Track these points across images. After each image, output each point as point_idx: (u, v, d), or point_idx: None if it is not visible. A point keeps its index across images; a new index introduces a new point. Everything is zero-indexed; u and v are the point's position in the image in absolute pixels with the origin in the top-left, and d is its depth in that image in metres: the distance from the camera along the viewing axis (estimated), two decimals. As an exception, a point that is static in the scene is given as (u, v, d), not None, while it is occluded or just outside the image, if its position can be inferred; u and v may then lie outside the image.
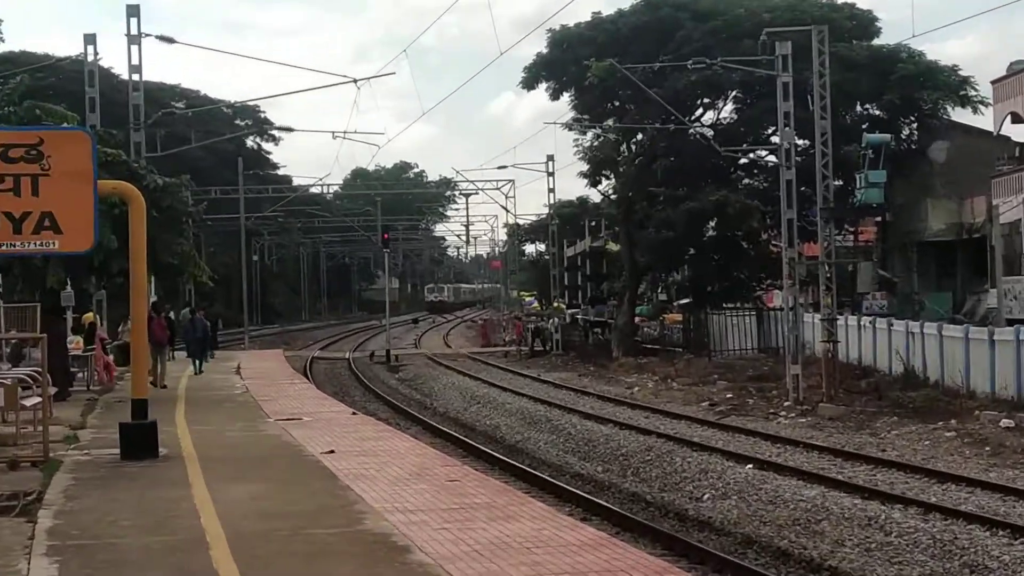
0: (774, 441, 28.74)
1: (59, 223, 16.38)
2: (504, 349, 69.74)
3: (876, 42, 58.69)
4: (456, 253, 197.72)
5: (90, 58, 40.17)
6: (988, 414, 30.30)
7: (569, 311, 76.56)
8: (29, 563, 11.52)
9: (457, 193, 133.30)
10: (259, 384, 35.30)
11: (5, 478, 16.92)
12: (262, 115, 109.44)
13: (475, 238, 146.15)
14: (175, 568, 11.16)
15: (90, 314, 37.12)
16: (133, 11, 39.95)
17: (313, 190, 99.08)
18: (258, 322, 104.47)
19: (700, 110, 60.12)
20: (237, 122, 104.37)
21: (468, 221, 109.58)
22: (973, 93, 56.72)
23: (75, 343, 34.88)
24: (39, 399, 20.37)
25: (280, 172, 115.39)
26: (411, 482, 16.10)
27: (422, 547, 11.80)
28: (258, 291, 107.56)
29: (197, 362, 40.35)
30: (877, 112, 58.19)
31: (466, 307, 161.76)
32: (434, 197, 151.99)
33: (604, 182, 64.72)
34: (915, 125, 58.47)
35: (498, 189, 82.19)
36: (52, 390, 24.21)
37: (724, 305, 58.94)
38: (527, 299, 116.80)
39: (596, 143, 62.33)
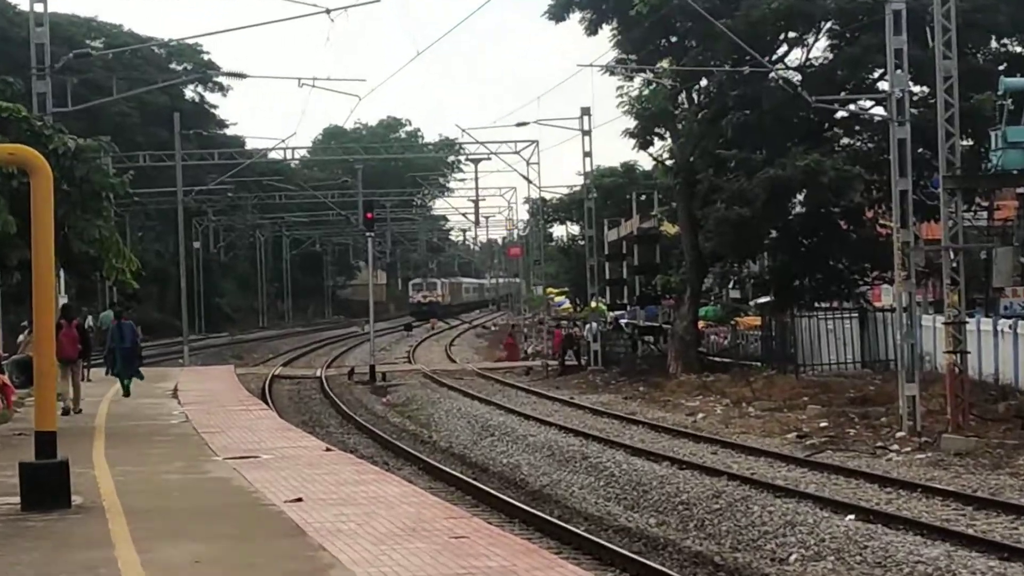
0: (883, 484, 28.58)
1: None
2: (526, 364, 69.76)
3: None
4: (462, 238, 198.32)
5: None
6: None
7: (611, 314, 76.59)
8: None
9: (463, 159, 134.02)
10: (203, 411, 35.30)
11: None
12: (205, 57, 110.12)
13: (487, 218, 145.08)
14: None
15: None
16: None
17: (273, 155, 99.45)
18: (202, 330, 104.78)
19: (783, 48, 59.88)
20: (173, 66, 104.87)
21: (478, 196, 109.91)
22: None
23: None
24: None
25: (230, 132, 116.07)
26: (404, 539, 16.06)
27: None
28: (201, 289, 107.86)
29: (125, 381, 40.58)
30: (1019, 49, 57.92)
31: (471, 309, 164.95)
32: (433, 164, 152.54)
33: (657, 143, 64.66)
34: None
35: (517, 153, 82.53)
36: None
37: (816, 305, 58.87)
38: (557, 299, 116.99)
39: (647, 92, 62.19)
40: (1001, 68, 55.58)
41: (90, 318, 49.20)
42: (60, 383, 29.04)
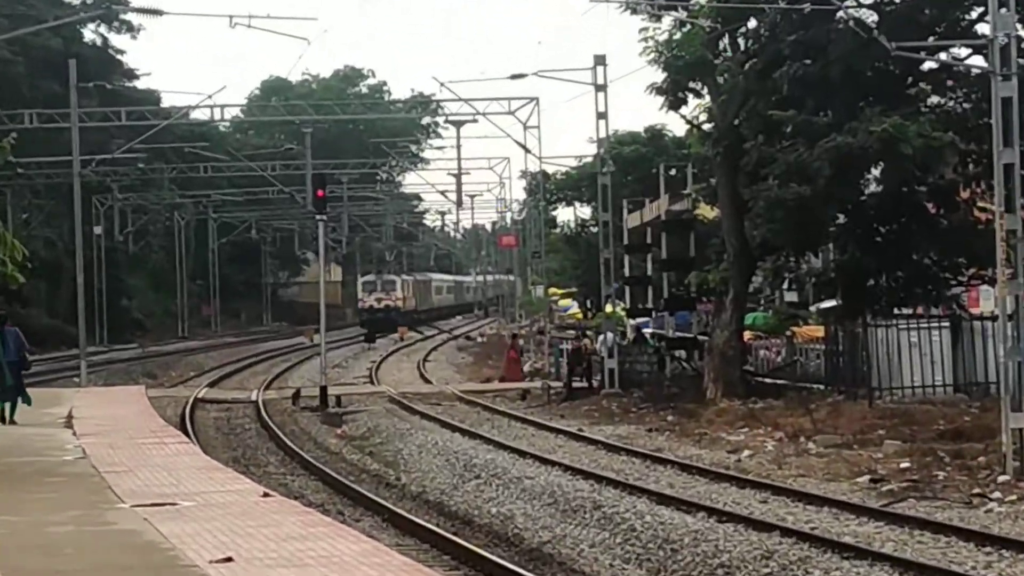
0: (981, 542, 28.50)
1: None
2: (522, 386, 69.74)
3: None
4: (440, 223, 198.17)
5: None
6: None
7: (632, 321, 76.59)
8: None
9: (442, 121, 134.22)
10: (106, 444, 35.29)
11: None
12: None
13: (471, 198, 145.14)
14: None
15: None
16: None
17: (197, 115, 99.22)
18: (104, 340, 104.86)
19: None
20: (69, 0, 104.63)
21: (460, 169, 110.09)
22: None
23: None
24: None
25: (141, 85, 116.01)
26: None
27: None
28: (104, 288, 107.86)
29: (7, 405, 41.15)
30: None
31: (447, 315, 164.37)
32: (403, 128, 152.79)
33: (692, 102, 64.75)
34: None
35: (511, 114, 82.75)
36: None
37: (896, 311, 58.81)
38: (562, 302, 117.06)
39: (679, 36, 62.26)
40: None
41: None
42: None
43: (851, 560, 26.76)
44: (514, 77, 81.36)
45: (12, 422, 40.50)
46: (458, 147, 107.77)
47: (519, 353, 79.62)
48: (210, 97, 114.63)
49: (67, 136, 71.84)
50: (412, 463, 44.64)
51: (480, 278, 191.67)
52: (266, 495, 27.53)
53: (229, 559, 19.18)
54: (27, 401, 43.04)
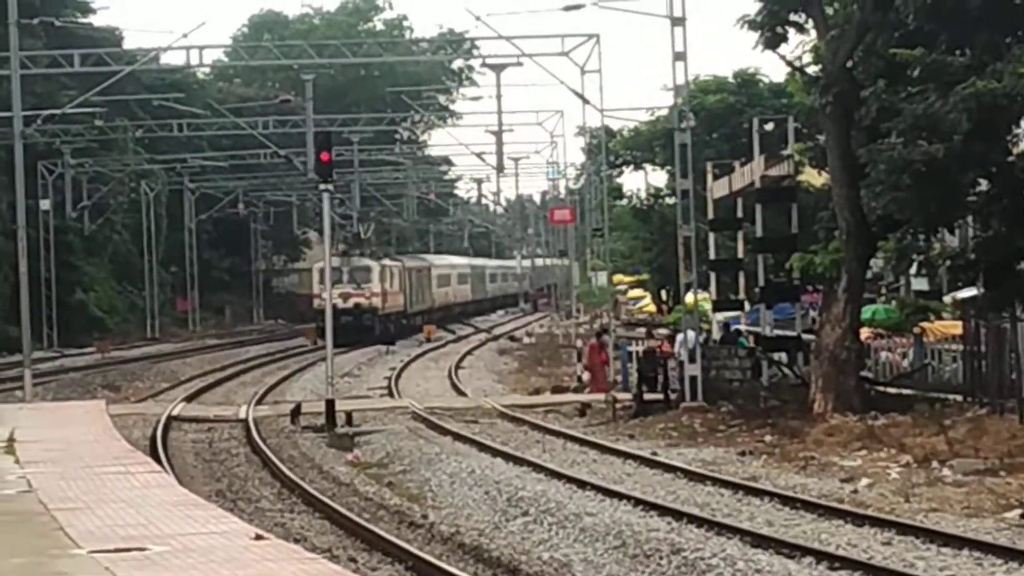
0: None
1: None
2: (581, 399, 69.82)
3: None
4: (476, 194, 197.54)
5: None
6: None
7: (719, 316, 76.62)
8: None
9: (478, 65, 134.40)
10: (57, 474, 35.47)
11: None
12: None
13: (516, 161, 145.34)
14: None
15: None
16: None
17: (168, 59, 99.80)
18: (53, 343, 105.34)
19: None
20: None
21: (501, 126, 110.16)
22: None
23: None
24: None
25: (98, 22, 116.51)
26: None
27: None
28: (53, 277, 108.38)
29: None
30: None
31: (460, 315, 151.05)
32: (429, 74, 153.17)
33: (794, 38, 64.86)
34: None
35: (566, 55, 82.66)
36: None
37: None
38: (630, 293, 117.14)
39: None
40: None
41: None
42: None
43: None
44: (568, 9, 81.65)
45: None
46: (498, 98, 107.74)
47: (607, 354, 78.16)
48: (185, 36, 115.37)
49: (6, 87, 72.21)
50: (442, 496, 44.66)
51: (526, 263, 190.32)
52: (259, 537, 27.63)
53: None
54: None
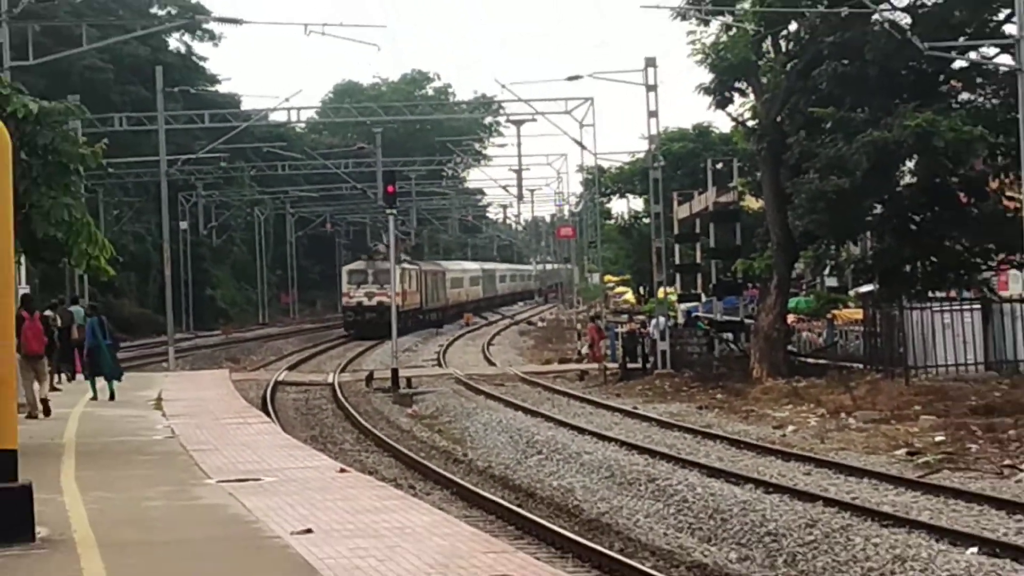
0: (1012, 510, 28.38)
1: None
2: (579, 367, 69.69)
3: None
4: (502, 216, 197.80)
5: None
6: None
7: (683, 306, 76.41)
8: None
9: (503, 120, 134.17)
10: (192, 425, 35.39)
11: None
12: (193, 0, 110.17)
13: (531, 192, 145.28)
14: None
15: None
16: None
17: (275, 117, 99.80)
18: (190, 327, 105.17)
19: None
20: (155, 11, 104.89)
21: (521, 165, 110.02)
22: None
23: None
24: None
25: (223, 90, 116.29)
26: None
27: None
28: (190, 279, 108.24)
29: (110, 383, 42.92)
30: None
31: (474, 310, 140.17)
32: (467, 127, 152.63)
33: (738, 100, 64.56)
34: None
35: (568, 113, 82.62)
36: None
37: (930, 295, 58.60)
38: (617, 289, 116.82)
39: (725, 39, 62.06)
40: None
41: (49, 312, 49.33)
42: (22, 386, 29.25)
43: (889, 528, 26.68)
44: (570, 79, 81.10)
45: (112, 399, 41.51)
46: (518, 144, 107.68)
47: (602, 331, 78.19)
48: (287, 100, 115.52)
49: (154, 138, 72.06)
50: (478, 440, 44.58)
51: (539, 267, 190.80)
52: (342, 471, 27.54)
53: (309, 531, 19.19)
54: (119, 379, 44.32)
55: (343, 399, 55.94)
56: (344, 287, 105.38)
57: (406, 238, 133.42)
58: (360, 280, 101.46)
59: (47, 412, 35.72)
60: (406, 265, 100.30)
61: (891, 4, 58.54)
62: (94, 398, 42.98)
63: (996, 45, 54.42)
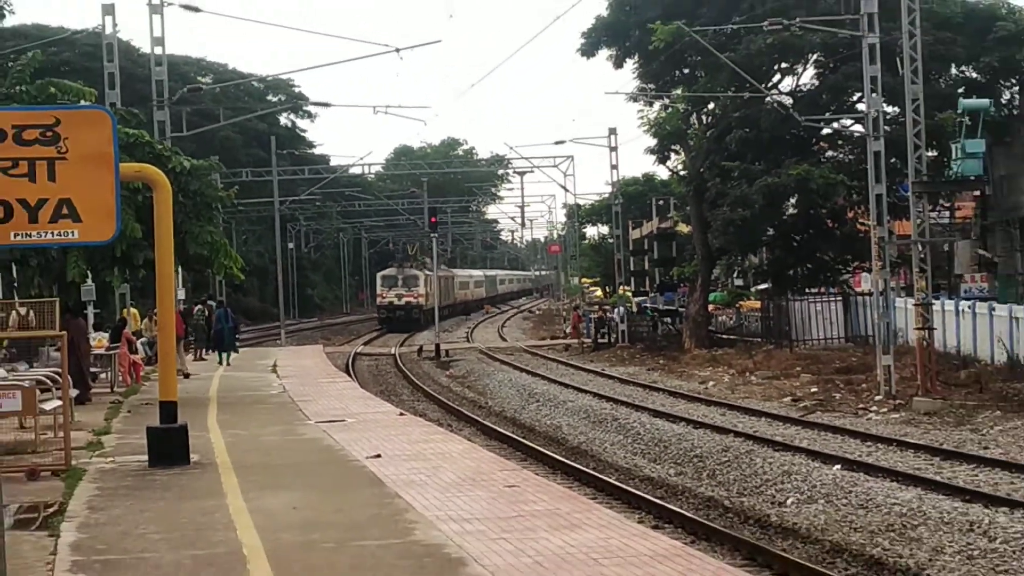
0: (864, 439, 28.53)
1: (78, 211, 16.09)
2: (564, 342, 69.63)
3: (973, -1, 58.10)
4: (510, 237, 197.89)
5: (108, 30, 40.31)
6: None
7: (636, 299, 76.37)
8: (52, 583, 11.63)
9: (511, 171, 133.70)
10: (297, 383, 35.47)
11: (24, 488, 17.04)
12: (296, 89, 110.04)
13: (531, 220, 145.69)
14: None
15: (130, 310, 37.76)
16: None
17: (353, 170, 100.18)
18: (295, 316, 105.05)
19: (777, 76, 59.51)
20: (269, 98, 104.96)
21: (523, 202, 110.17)
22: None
23: (98, 341, 35.20)
24: (59, 402, 20.49)
25: (317, 151, 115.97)
26: (465, 488, 16.10)
27: (479, 559, 11.80)
28: (295, 282, 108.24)
29: (226, 354, 44.14)
30: (974, 75, 57.46)
31: (476, 308, 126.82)
32: (485, 176, 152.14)
33: (673, 157, 64.37)
34: (1016, 89, 57.79)
35: (556, 167, 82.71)
36: (73, 392, 24.43)
37: (807, 290, 58.63)
38: (590, 288, 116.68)
39: (663, 115, 61.89)
40: (960, 91, 55.26)
41: (199, 306, 50.27)
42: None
43: (780, 451, 26.75)
44: (557, 143, 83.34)
45: (228, 365, 42.02)
46: (521, 188, 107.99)
47: (597, 319, 78.25)
48: (361, 159, 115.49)
49: (270, 185, 72.08)
50: (494, 392, 44.53)
51: (538, 272, 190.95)
52: (401, 414, 27.61)
53: (378, 455, 19.25)
54: (237, 351, 46.47)
55: (401, 365, 55.80)
56: (378, 289, 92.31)
57: (444, 253, 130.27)
58: (391, 284, 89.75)
59: (186, 375, 36.34)
60: (427, 272, 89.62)
61: (778, 91, 58.65)
62: (220, 363, 43.43)
63: (851, 118, 54.32)
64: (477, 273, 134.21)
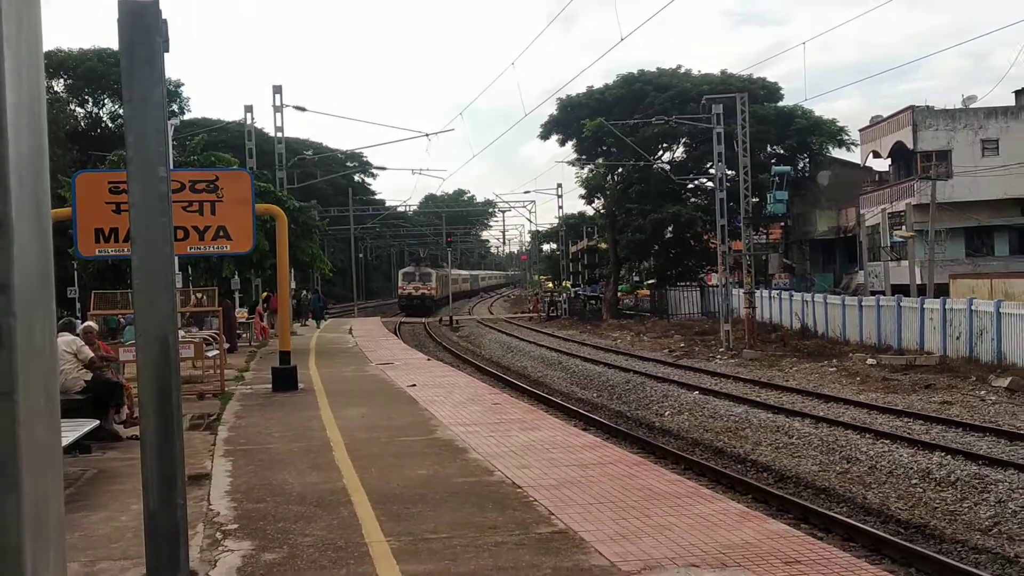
0: (712, 375, 28.60)
1: (229, 233, 16.18)
2: (529, 315, 69.59)
3: (780, 104, 58.43)
4: (496, 251, 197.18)
5: (248, 121, 40.28)
6: (858, 356, 30.16)
7: (573, 289, 76.45)
8: (212, 461, 11.63)
9: (497, 210, 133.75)
10: (364, 340, 35.40)
11: (196, 405, 17.06)
12: (364, 158, 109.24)
13: (509, 240, 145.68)
14: (310, 464, 11.19)
15: (266, 295, 37.63)
16: (277, 89, 40.36)
17: (399, 209, 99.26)
18: (363, 299, 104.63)
19: (661, 152, 59.83)
20: (348, 164, 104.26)
21: (504, 228, 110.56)
22: (847, 137, 56.91)
23: (241, 313, 35.19)
24: (217, 351, 20.55)
25: (376, 196, 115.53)
26: (467, 405, 16.14)
27: (475, 448, 11.84)
28: (363, 278, 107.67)
29: (320, 321, 45.12)
30: (781, 151, 57.94)
31: (464, 298, 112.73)
32: (481, 213, 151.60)
33: (596, 202, 64.71)
34: (807, 160, 58.22)
35: (524, 207, 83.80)
36: (226, 345, 24.44)
37: (678, 284, 58.81)
38: (545, 283, 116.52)
39: (590, 175, 62.16)
40: (772, 161, 55.62)
41: (305, 292, 50.21)
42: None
43: (660, 383, 26.65)
44: (526, 192, 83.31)
45: (320, 328, 42.21)
46: (503, 220, 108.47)
47: (549, 301, 77.99)
48: (403, 202, 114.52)
49: (347, 218, 72.01)
50: (486, 346, 44.35)
51: (512, 272, 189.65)
52: (428, 359, 27.55)
53: (414, 385, 19.19)
54: (325, 320, 46.24)
55: (429, 330, 55.67)
56: (400, 282, 76.56)
57: (458, 259, 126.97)
58: (410, 279, 74.64)
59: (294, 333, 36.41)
60: (437, 270, 78.09)
61: (661, 160, 58.78)
62: (317, 327, 43.32)
63: (706, 177, 54.45)
64: (465, 273, 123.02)
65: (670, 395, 24.42)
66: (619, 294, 65.33)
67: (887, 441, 17.13)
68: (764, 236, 60.44)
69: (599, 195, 63.16)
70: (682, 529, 7.75)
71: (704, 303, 54.00)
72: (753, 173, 41.59)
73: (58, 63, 57.41)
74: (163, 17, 4.79)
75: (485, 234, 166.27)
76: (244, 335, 34.26)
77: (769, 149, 57.88)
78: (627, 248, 59.05)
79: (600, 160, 61.06)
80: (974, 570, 10.08)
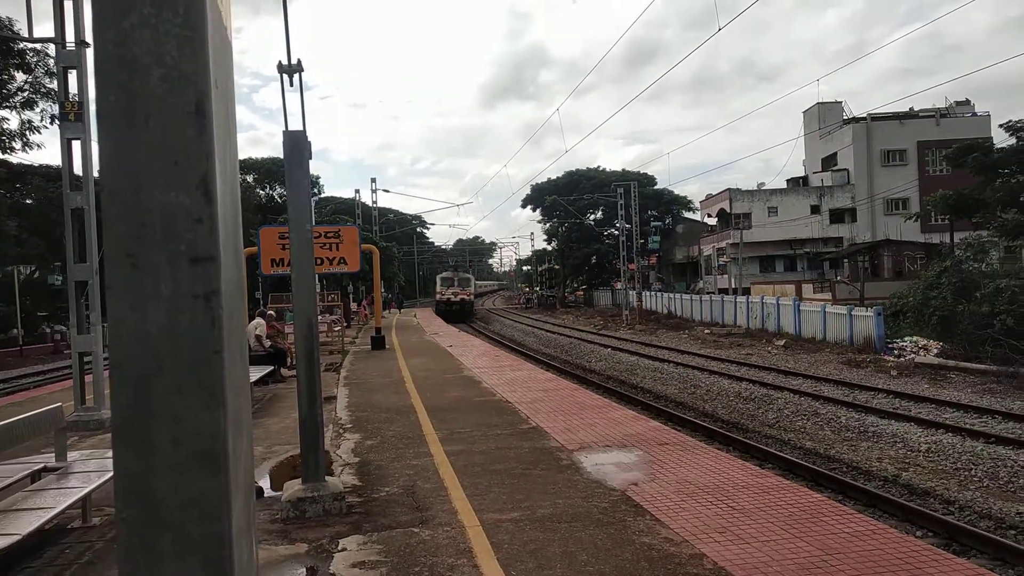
0: (618, 339, 28.26)
1: (346, 260, 16.25)
2: (517, 307, 68.93)
3: (655, 187, 58.47)
4: (496, 269, 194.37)
5: (357, 198, 39.97)
6: (699, 328, 30.17)
7: (540, 291, 76.14)
8: (337, 389, 11.68)
9: (497, 247, 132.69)
10: (423, 321, 34.92)
11: (328, 358, 16.93)
12: (421, 218, 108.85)
13: (504, 263, 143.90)
14: (392, 391, 11.13)
15: (369, 296, 37.36)
16: (373, 180, 40.70)
17: (442, 247, 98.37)
18: (422, 299, 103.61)
19: (589, 214, 59.53)
20: (412, 221, 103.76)
21: (501, 257, 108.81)
22: (693, 206, 56.63)
23: (353, 306, 35.00)
24: (340, 327, 20.42)
25: (428, 240, 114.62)
26: (481, 357, 16.08)
27: (485, 381, 11.85)
28: (423, 287, 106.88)
29: (399, 310, 44.46)
30: (655, 214, 57.81)
31: (488, 294, 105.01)
32: (487, 248, 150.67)
33: (553, 242, 64.35)
34: (670, 219, 58.18)
35: (512, 247, 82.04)
36: (344, 324, 24.27)
37: (600, 287, 58.50)
38: (525, 288, 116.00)
39: (549, 227, 61.85)
40: (652, 218, 55.31)
41: (387, 294, 49.08)
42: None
43: (589, 344, 26.31)
44: (515, 237, 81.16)
45: (399, 313, 41.28)
46: (500, 252, 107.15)
47: (526, 298, 76.59)
48: (443, 244, 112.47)
49: (413, 253, 71.02)
50: (494, 326, 42.90)
51: (505, 282, 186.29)
52: (460, 331, 26.55)
53: (451, 346, 18.44)
54: (401, 309, 44.59)
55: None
56: (438, 288, 48.57)
57: (470, 267, 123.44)
58: (448, 284, 47.81)
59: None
60: (471, 275, 61.57)
61: (592, 220, 58.35)
62: (397, 313, 42.44)
63: (616, 230, 53.77)
64: (480, 282, 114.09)
65: (595, 351, 24.31)
66: (566, 294, 65.06)
67: (716, 376, 17.21)
68: (647, 261, 60.37)
69: (555, 239, 62.98)
70: (602, 426, 7.85)
71: (614, 298, 53.56)
72: (641, 226, 41.49)
73: (249, 166, 57.44)
74: (308, 139, 5.21)
75: (490, 260, 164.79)
76: (355, 318, 34.05)
77: (649, 212, 57.92)
78: (571, 268, 58.79)
79: (555, 219, 60.98)
80: (766, 447, 10.21)
